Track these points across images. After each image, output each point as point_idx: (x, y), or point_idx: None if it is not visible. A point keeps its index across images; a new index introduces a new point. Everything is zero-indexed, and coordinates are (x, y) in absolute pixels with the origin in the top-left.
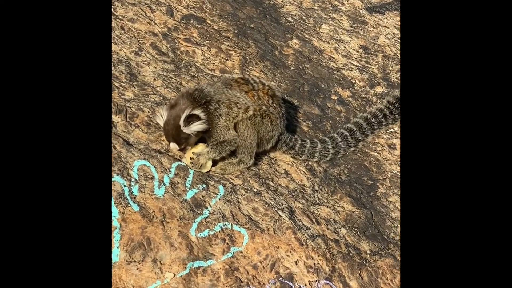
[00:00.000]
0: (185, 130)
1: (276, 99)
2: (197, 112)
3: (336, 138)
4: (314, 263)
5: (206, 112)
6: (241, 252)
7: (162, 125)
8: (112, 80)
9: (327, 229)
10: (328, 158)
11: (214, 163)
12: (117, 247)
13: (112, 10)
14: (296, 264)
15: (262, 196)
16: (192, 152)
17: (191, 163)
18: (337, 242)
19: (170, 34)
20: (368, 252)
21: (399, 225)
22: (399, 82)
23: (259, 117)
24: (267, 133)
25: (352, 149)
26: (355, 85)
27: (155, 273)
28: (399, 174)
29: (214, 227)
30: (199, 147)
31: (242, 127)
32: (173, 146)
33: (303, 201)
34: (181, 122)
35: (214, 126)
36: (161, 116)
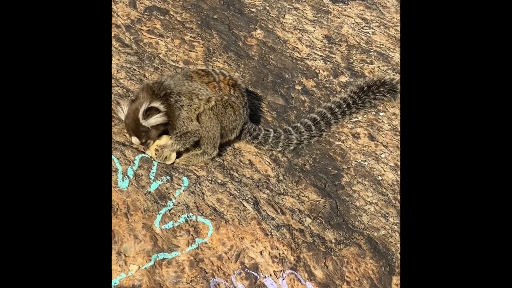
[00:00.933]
0: (144, 123)
1: (238, 88)
2: (156, 104)
3: (300, 128)
4: (279, 253)
5: (166, 104)
6: (206, 243)
7: (123, 119)
8: None
9: (292, 219)
10: (291, 148)
11: (179, 154)
12: None
13: None
14: (261, 254)
15: (227, 187)
16: (157, 145)
17: (155, 155)
18: (302, 232)
19: (133, 26)
20: (333, 241)
21: (363, 214)
22: (363, 71)
23: (222, 107)
24: (230, 123)
25: (315, 138)
26: (319, 75)
27: (119, 265)
28: (364, 163)
29: (179, 219)
30: (163, 139)
31: (204, 118)
32: (135, 140)
33: (268, 191)
34: (140, 116)
35: (176, 118)
36: (122, 110)
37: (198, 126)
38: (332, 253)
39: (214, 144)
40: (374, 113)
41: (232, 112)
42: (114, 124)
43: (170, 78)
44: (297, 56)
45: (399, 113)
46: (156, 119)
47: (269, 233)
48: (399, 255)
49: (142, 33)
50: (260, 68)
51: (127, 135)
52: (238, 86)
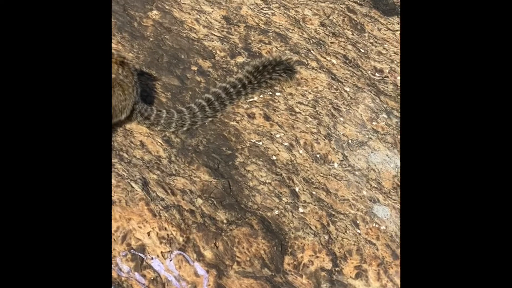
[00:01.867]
0: None
1: (126, 67)
2: None
3: (193, 109)
4: (168, 234)
5: None
6: None
7: None
8: None
9: (183, 199)
10: (185, 129)
11: None
12: None
13: None
14: (148, 235)
15: (115, 168)
16: None
17: None
18: (193, 213)
19: None
20: (225, 221)
21: (257, 194)
22: (260, 51)
23: None
24: (119, 103)
25: (210, 119)
26: (215, 55)
27: None
28: (258, 143)
29: None
30: None
31: None
32: None
33: (159, 172)
34: None
35: None
36: None
37: None
38: (223, 234)
39: None
40: (270, 93)
41: (120, 91)
42: None
43: None
44: (194, 37)
45: (296, 93)
46: None
47: (157, 214)
48: (292, 235)
49: None
50: (155, 48)
51: None
52: (127, 64)
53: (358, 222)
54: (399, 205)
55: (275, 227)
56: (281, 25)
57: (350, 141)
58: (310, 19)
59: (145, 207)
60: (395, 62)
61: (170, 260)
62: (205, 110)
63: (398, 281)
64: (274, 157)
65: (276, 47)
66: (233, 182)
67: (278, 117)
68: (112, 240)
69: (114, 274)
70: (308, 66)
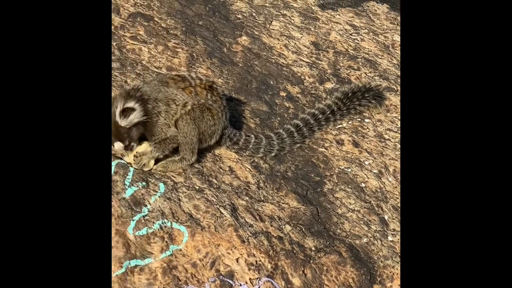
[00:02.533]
0: (123, 123)
1: (215, 92)
2: (131, 104)
3: (282, 134)
4: (256, 261)
5: (144, 109)
6: (181, 250)
7: None
8: None
9: (271, 226)
10: (273, 154)
11: (157, 161)
12: None
13: None
14: (237, 261)
15: (204, 194)
16: (136, 151)
17: (134, 162)
18: (281, 239)
19: (116, 32)
20: (313, 248)
21: (345, 221)
22: (349, 77)
23: (199, 111)
24: (208, 128)
25: (298, 145)
26: (304, 81)
27: None
28: (347, 170)
29: (153, 225)
30: (142, 146)
31: (182, 123)
32: (118, 145)
33: (247, 198)
34: (117, 117)
35: (155, 125)
36: None
37: (177, 132)
38: (311, 261)
39: (192, 149)
40: (359, 119)
41: (210, 116)
42: None
43: (146, 85)
44: (283, 63)
45: (385, 120)
46: (133, 116)
47: (246, 240)
48: (381, 263)
49: (125, 40)
50: (244, 74)
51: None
52: (215, 89)
53: None
54: None
55: (364, 255)
56: (370, 51)
57: None
58: (400, 45)
59: (234, 233)
60: None
61: (259, 287)
62: (294, 136)
63: None
64: (363, 184)
65: (365, 73)
66: (321, 209)
67: (367, 143)
68: (201, 265)
69: None
70: (398, 93)
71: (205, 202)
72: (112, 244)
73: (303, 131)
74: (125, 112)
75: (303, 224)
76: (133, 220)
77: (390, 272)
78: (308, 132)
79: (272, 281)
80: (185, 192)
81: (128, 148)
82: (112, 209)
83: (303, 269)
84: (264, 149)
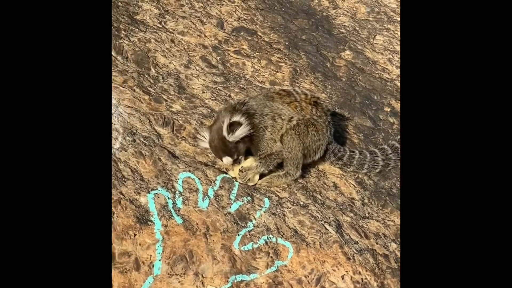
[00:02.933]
0: (231, 138)
1: (320, 107)
2: (237, 118)
3: (387, 150)
4: (362, 278)
5: (250, 124)
6: (286, 266)
7: (207, 146)
8: (160, 93)
9: (376, 243)
10: (377, 170)
11: (261, 176)
12: (159, 260)
13: (163, 23)
14: (342, 279)
15: (309, 209)
16: (241, 166)
17: (239, 176)
18: (387, 257)
19: (220, 47)
20: None
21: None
22: None
23: (304, 127)
24: (313, 143)
25: None
26: None
27: (196, 286)
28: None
29: (258, 240)
30: (247, 161)
31: (286, 138)
32: (227, 160)
33: (352, 214)
34: (225, 132)
35: (261, 139)
36: (204, 138)
37: (282, 148)
38: None
39: (297, 165)
40: None
41: (314, 131)
42: (197, 145)
43: (252, 100)
44: (387, 77)
45: None
46: (241, 131)
47: (351, 257)
48: None
49: (229, 54)
50: (348, 89)
51: (218, 159)
52: (320, 104)
53: None
54: None
55: None
56: None
57: None
58: None
59: (339, 250)
60: None
61: None
62: (398, 152)
63: None
64: None
65: None
66: None
67: None
68: (307, 282)
69: None
70: None
71: (310, 218)
72: (218, 259)
73: None
74: (232, 126)
75: None
76: (238, 235)
77: None
78: None
79: None
80: (290, 208)
81: (236, 161)
82: (218, 224)
83: None
84: (368, 165)
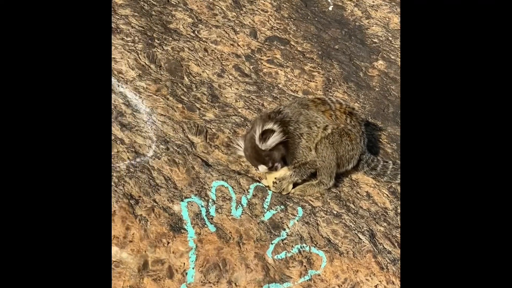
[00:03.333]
0: (263, 147)
1: (354, 117)
2: (269, 126)
3: None
4: None
5: (285, 131)
6: (319, 275)
7: (242, 154)
8: (193, 102)
9: None
10: None
11: (294, 184)
12: (193, 268)
13: (196, 32)
14: None
15: (342, 219)
16: (275, 177)
17: (273, 186)
18: None
19: (253, 56)
20: None
21: None
22: None
23: (338, 136)
24: (347, 153)
25: None
26: None
27: None
28: None
29: (292, 249)
30: (281, 170)
31: (320, 147)
32: (262, 168)
33: (385, 224)
34: (257, 141)
35: (296, 147)
36: (239, 146)
37: (316, 157)
38: None
39: (330, 174)
40: None
41: (348, 141)
42: (231, 153)
43: (287, 107)
44: None
45: None
46: (273, 139)
47: (385, 267)
48: None
49: (262, 63)
50: (381, 99)
51: (254, 167)
52: (355, 114)
53: None
54: None
55: None
56: None
57: None
58: None
59: (373, 260)
60: None
61: None
62: None
63: None
64: None
65: None
66: None
67: None
68: None
69: None
70: None
71: (343, 227)
72: (251, 267)
73: None
74: (264, 134)
75: None
76: (272, 243)
77: None
78: None
79: None
80: (323, 217)
81: (272, 169)
82: (251, 232)
83: None
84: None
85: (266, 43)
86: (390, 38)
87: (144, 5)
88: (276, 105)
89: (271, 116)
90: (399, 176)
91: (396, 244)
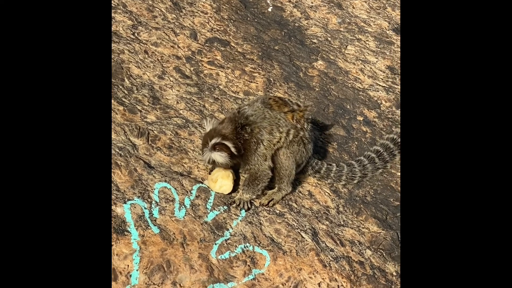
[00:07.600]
0: (205, 152)
1: (309, 121)
2: (227, 143)
3: (363, 161)
4: (338, 285)
5: (244, 137)
6: (263, 274)
7: (205, 132)
8: (134, 104)
9: (352, 250)
10: (355, 182)
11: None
12: (137, 270)
13: (136, 34)
14: (319, 286)
15: (285, 218)
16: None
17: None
18: (362, 264)
19: (194, 57)
20: (394, 274)
21: None
22: None
23: (296, 145)
24: (301, 159)
25: (380, 171)
26: (381, 105)
27: None
28: None
29: (235, 249)
30: (217, 171)
31: (283, 158)
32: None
33: (327, 222)
34: (209, 145)
35: (253, 152)
36: (207, 125)
37: (268, 169)
38: (393, 286)
39: (291, 181)
40: None
41: (303, 148)
42: (173, 154)
43: (250, 108)
44: (359, 87)
45: None
46: (219, 157)
47: (327, 265)
48: None
49: (202, 64)
50: (321, 98)
51: (187, 164)
52: (309, 119)
53: None
54: None
55: None
56: None
57: None
58: None
59: (316, 257)
60: None
61: None
62: (375, 161)
63: None
64: None
65: None
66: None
67: None
68: None
69: None
70: None
71: (286, 226)
72: (196, 268)
73: (384, 156)
74: (218, 146)
75: (384, 249)
76: (215, 244)
77: None
78: (389, 157)
79: None
80: (266, 216)
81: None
82: (195, 233)
83: None
84: (346, 177)
85: (207, 44)
86: (329, 39)
87: None
88: (217, 107)
89: (237, 120)
90: (343, 178)
91: (338, 242)
